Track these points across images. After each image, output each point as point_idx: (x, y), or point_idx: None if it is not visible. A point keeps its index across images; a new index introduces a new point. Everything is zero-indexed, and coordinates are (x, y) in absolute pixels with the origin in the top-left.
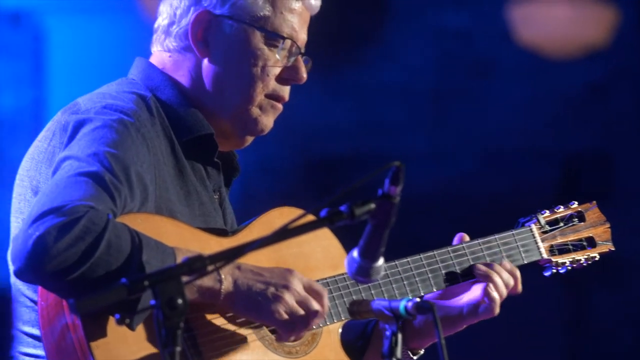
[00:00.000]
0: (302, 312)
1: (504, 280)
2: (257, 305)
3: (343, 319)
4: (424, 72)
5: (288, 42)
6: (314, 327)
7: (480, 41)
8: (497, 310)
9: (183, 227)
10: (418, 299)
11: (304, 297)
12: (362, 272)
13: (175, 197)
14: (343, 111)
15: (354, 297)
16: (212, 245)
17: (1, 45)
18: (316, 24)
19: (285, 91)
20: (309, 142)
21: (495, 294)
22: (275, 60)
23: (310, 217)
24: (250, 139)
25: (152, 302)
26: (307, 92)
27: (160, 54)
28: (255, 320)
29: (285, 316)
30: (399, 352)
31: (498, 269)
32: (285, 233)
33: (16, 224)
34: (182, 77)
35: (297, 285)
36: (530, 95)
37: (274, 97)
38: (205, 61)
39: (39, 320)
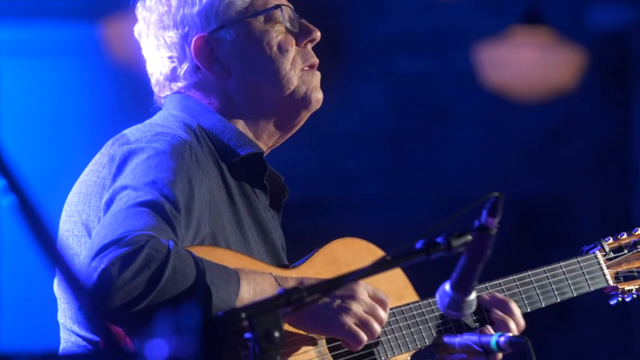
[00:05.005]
0: (370, 321)
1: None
2: (324, 318)
3: (411, 349)
4: (379, 117)
5: (285, 9)
6: (382, 357)
7: (436, 85)
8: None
9: (244, 259)
10: (510, 334)
11: (371, 305)
12: (455, 306)
13: (228, 223)
14: (300, 158)
15: (421, 327)
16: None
17: None
18: None
19: (312, 55)
20: None
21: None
22: (283, 33)
23: (380, 253)
24: (306, 116)
25: (248, 335)
26: None
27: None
28: (324, 334)
29: (354, 327)
30: None
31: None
32: (384, 264)
33: None
34: (213, 104)
35: (363, 294)
36: (486, 140)
37: (306, 65)
38: (228, 78)
39: None
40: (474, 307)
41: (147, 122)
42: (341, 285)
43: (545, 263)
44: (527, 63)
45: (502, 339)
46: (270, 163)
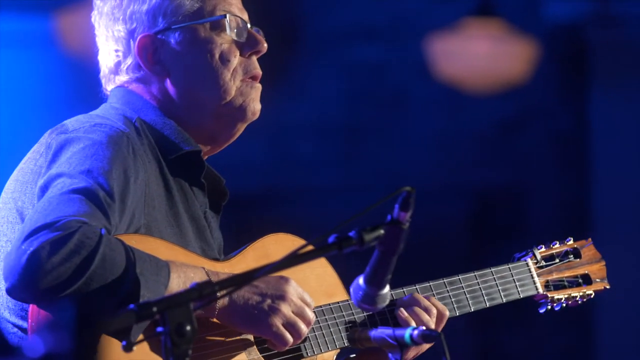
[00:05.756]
0: (298, 322)
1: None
2: (253, 318)
3: (337, 347)
4: (334, 107)
5: (232, 19)
6: (308, 354)
7: (392, 75)
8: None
9: (177, 250)
10: (424, 327)
11: (300, 307)
12: (368, 300)
13: (163, 216)
14: (254, 148)
15: (349, 325)
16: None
17: None
18: None
19: (256, 66)
20: None
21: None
22: (228, 42)
23: (309, 246)
24: (241, 128)
25: (160, 329)
26: None
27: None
28: (252, 333)
29: (282, 328)
30: None
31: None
32: (295, 258)
33: None
34: (154, 101)
35: (293, 295)
36: (442, 130)
37: (247, 77)
38: (167, 79)
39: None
40: (387, 301)
41: (88, 113)
42: (253, 279)
43: (499, 253)
44: (479, 55)
45: (415, 332)
46: (225, 154)
